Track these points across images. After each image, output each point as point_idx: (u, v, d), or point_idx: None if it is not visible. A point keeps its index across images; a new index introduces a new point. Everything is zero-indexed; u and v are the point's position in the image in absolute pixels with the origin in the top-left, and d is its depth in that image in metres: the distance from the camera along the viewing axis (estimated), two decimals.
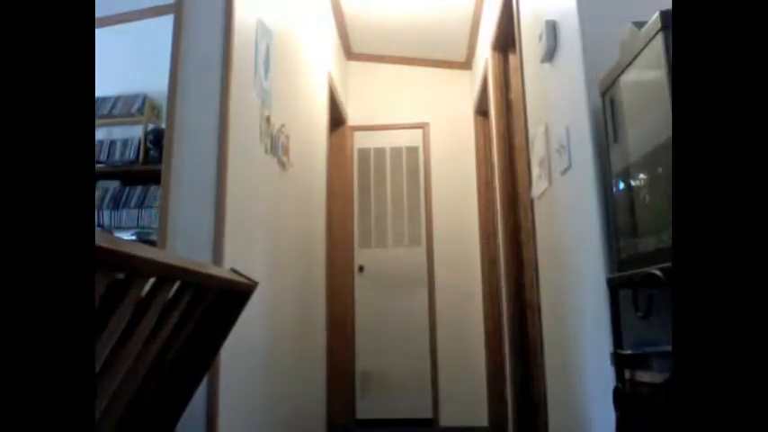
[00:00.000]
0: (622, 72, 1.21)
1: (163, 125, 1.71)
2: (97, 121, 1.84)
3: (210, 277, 1.05)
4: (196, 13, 1.76)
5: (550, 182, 1.91)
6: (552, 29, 1.79)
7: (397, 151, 4.21)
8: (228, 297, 1.23)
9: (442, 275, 3.99)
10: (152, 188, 1.75)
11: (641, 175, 1.15)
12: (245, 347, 1.79)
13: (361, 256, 4.06)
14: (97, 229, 0.74)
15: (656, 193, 1.08)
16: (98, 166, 1.81)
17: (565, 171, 1.71)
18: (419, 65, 4.29)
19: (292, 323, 2.42)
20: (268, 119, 2.09)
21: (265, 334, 2.02)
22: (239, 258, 1.75)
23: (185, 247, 1.59)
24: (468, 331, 3.89)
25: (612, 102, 1.29)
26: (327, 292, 3.27)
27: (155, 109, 1.85)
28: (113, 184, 1.79)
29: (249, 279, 1.26)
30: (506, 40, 2.99)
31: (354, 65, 4.36)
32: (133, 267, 0.77)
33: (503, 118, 3.13)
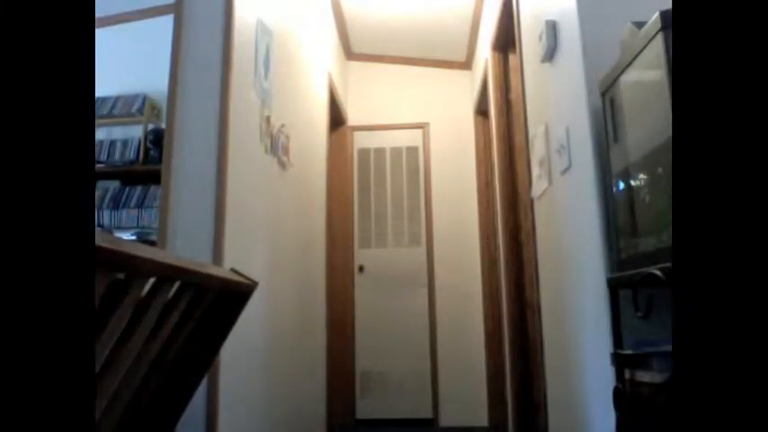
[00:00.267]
0: (622, 72, 1.21)
1: (163, 125, 1.71)
2: (97, 121, 1.84)
3: (210, 277, 1.05)
4: (196, 13, 1.76)
5: (550, 182, 1.91)
6: (552, 29, 1.79)
7: (397, 151, 4.21)
8: (228, 297, 1.23)
9: (442, 275, 3.99)
10: (152, 188, 1.75)
11: (641, 175, 1.15)
12: (245, 347, 1.79)
13: (361, 256, 4.06)
14: (97, 229, 0.74)
15: (656, 193, 1.08)
16: (98, 166, 1.81)
17: (565, 171, 1.71)
18: (419, 65, 4.29)
19: (292, 323, 2.42)
20: (268, 119, 2.09)
21: (265, 334, 2.02)
22: (239, 258, 1.75)
23: (185, 247, 1.59)
24: (468, 331, 3.89)
25: (612, 102, 1.29)
26: (327, 292, 3.27)
27: (155, 109, 1.85)
28: (113, 184, 1.79)
29: (249, 279, 1.26)
30: (506, 40, 2.99)
31: (354, 65, 4.36)
32: (133, 267, 0.77)
33: (503, 118, 3.13)
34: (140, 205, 1.74)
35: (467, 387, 3.82)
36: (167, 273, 0.89)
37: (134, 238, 1.71)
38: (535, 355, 2.44)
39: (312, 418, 2.80)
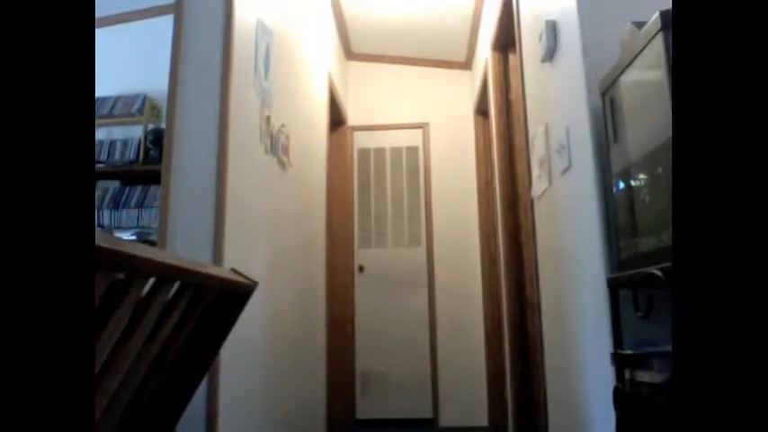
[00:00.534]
0: (622, 72, 1.21)
1: (163, 125, 1.71)
2: (97, 121, 1.84)
3: (210, 277, 1.05)
4: (196, 13, 1.76)
5: (550, 182, 1.91)
6: (552, 29, 1.79)
7: (397, 151, 4.21)
8: (228, 297, 1.23)
9: (442, 275, 3.99)
10: (152, 188, 1.75)
11: (641, 175, 1.15)
12: (245, 347, 1.79)
13: (361, 256, 4.06)
14: (97, 229, 0.74)
15: (656, 193, 1.08)
16: (98, 166, 1.81)
17: (565, 171, 1.71)
18: (419, 65, 4.29)
19: (292, 323, 2.42)
20: (268, 119, 2.09)
21: (265, 334, 2.02)
22: (239, 258, 1.75)
23: (185, 247, 1.59)
24: (469, 331, 3.89)
25: (612, 102, 1.29)
26: (327, 292, 3.27)
27: (155, 109, 1.85)
28: (113, 184, 1.79)
29: (249, 279, 1.26)
30: (506, 40, 2.99)
31: (354, 65, 4.36)
32: (133, 267, 0.77)
33: (503, 118, 3.13)
34: (140, 205, 1.74)
35: (467, 387, 3.82)
36: (167, 273, 0.89)
37: (134, 238, 1.71)
38: (535, 355, 2.44)
39: (312, 418, 2.80)
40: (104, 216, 1.76)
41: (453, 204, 4.08)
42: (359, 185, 4.17)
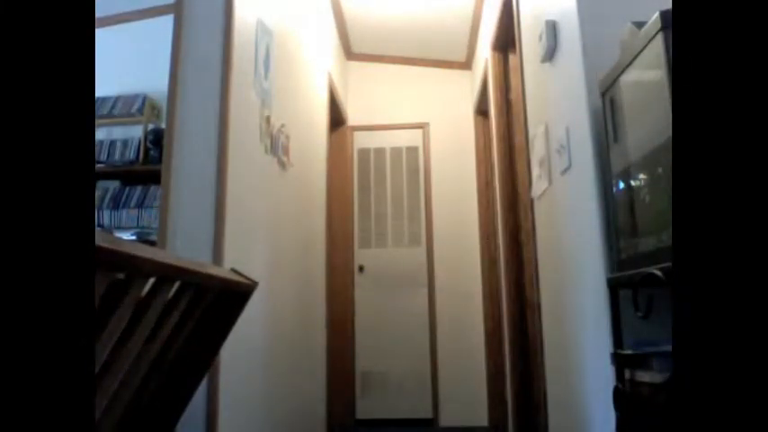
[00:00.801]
0: (622, 72, 1.21)
1: (163, 125, 1.71)
2: (97, 121, 1.84)
3: (210, 277, 1.05)
4: (196, 13, 1.76)
5: (550, 182, 1.91)
6: (552, 29, 1.79)
7: (397, 151, 4.21)
8: (228, 297, 1.23)
9: (442, 275, 3.99)
10: (152, 188, 1.75)
11: (641, 175, 1.15)
12: (245, 347, 1.79)
13: (361, 256, 4.06)
14: (97, 229, 0.74)
15: (656, 193, 1.08)
16: (98, 166, 1.81)
17: (565, 171, 1.71)
18: (419, 65, 4.29)
19: (292, 323, 2.42)
20: (268, 119, 2.09)
21: (265, 334, 2.02)
22: (239, 258, 1.75)
23: (185, 247, 1.59)
24: (469, 331, 3.89)
25: (612, 102, 1.29)
26: (327, 292, 3.27)
27: (155, 109, 1.85)
28: (113, 184, 1.79)
29: (249, 279, 1.26)
30: (506, 40, 2.99)
31: (354, 65, 4.36)
32: (133, 267, 0.77)
33: (503, 118, 3.13)
34: (140, 205, 1.74)
35: (467, 387, 3.82)
36: (167, 273, 0.89)
37: (134, 238, 1.71)
38: (535, 355, 2.44)
39: (312, 418, 2.80)
40: (104, 216, 1.76)
41: (453, 204, 4.08)
42: (359, 185, 4.17)
